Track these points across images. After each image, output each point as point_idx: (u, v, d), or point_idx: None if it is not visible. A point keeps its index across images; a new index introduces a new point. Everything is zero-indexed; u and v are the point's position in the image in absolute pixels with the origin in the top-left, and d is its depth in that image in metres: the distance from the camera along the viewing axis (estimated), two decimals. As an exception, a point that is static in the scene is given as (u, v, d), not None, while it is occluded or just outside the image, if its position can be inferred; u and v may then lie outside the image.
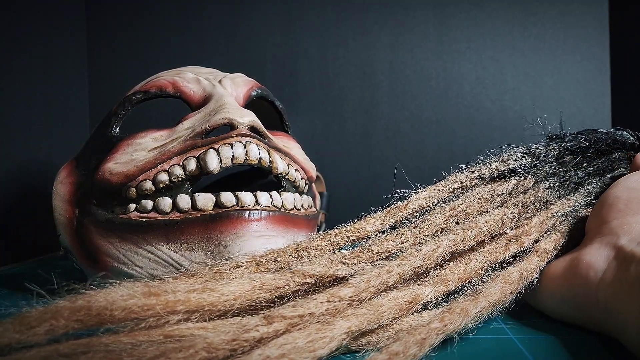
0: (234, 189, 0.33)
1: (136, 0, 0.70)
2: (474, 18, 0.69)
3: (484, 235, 0.27)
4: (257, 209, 0.31)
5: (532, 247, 0.28)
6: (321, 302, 0.21)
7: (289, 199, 0.34)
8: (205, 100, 0.35)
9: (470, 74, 0.70)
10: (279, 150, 0.35)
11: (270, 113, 0.43)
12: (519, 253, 0.28)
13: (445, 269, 0.25)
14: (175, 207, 0.31)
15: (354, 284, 0.22)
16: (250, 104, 0.38)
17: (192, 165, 0.31)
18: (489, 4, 0.69)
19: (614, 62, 0.68)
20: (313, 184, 0.42)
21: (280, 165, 0.34)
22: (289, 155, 0.36)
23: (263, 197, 0.32)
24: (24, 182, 0.52)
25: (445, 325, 0.21)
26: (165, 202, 0.31)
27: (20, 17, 0.52)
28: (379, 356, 0.19)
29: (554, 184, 0.31)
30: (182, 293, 0.21)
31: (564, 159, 0.33)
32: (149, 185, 0.32)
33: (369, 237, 0.28)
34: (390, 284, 0.23)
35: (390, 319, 0.22)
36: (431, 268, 0.25)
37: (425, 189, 0.31)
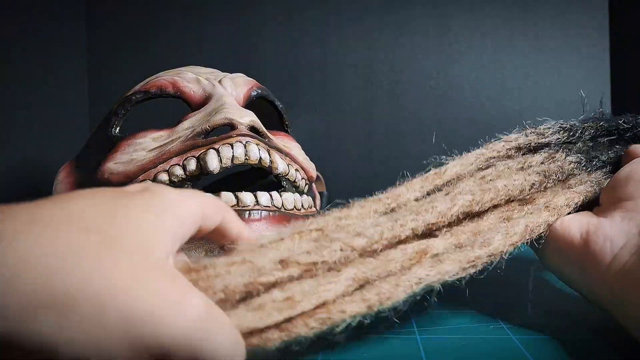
0: (234, 189, 0.33)
1: (136, 0, 0.70)
2: (474, 18, 0.69)
3: (501, 199, 0.27)
4: (257, 209, 0.31)
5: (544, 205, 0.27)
6: (334, 251, 0.21)
7: (289, 199, 0.34)
8: (205, 100, 0.35)
9: (470, 74, 0.70)
10: (279, 150, 0.35)
11: (270, 113, 0.43)
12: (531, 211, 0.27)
13: (457, 225, 0.25)
14: (175, 207, 0.31)
15: (367, 235, 0.22)
16: (250, 104, 0.38)
17: (192, 165, 0.31)
18: (489, 4, 0.69)
19: (614, 62, 0.68)
20: (313, 184, 0.42)
21: (280, 165, 0.34)
22: (289, 155, 0.36)
23: (263, 197, 0.32)
24: (24, 182, 0.52)
25: (427, 275, 0.22)
26: (165, 202, 0.31)
27: (20, 17, 0.52)
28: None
29: (581, 159, 0.31)
30: (222, 267, 0.21)
31: (599, 139, 0.33)
32: (149, 185, 0.32)
33: (406, 204, 0.27)
34: (402, 238, 0.23)
35: (399, 268, 0.22)
36: (444, 225, 0.25)
37: (462, 156, 0.31)
